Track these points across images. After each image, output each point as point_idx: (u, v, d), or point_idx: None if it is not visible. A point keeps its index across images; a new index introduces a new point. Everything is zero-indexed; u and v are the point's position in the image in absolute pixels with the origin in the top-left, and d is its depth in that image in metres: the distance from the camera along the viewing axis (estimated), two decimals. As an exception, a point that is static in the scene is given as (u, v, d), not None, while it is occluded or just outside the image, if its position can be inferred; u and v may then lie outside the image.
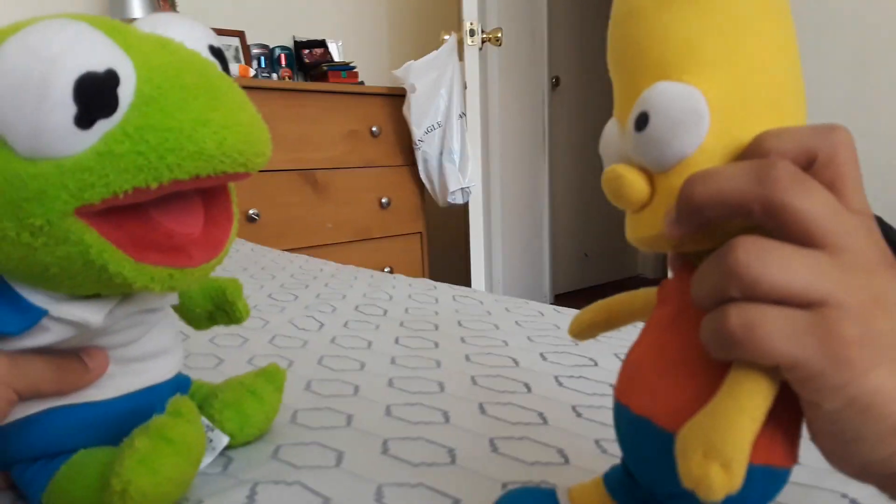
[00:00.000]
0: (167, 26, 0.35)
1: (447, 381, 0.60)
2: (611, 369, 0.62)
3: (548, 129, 2.80)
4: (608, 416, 0.51)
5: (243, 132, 0.32)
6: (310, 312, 0.85)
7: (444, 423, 0.50)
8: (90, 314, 0.34)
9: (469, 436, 0.48)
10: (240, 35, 2.28)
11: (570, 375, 0.61)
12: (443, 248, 2.82)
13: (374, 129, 2.11)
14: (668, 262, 0.31)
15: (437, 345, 0.71)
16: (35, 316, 0.33)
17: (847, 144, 0.24)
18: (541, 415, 0.52)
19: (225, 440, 0.43)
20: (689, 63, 0.25)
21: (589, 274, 3.35)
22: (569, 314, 0.84)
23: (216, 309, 0.47)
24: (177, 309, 0.47)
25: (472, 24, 2.02)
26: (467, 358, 0.67)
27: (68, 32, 0.29)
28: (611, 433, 0.48)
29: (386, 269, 2.18)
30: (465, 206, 2.21)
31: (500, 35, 2.11)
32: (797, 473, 0.29)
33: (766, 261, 0.21)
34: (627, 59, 0.28)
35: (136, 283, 0.32)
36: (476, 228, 2.17)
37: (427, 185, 2.19)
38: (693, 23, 0.25)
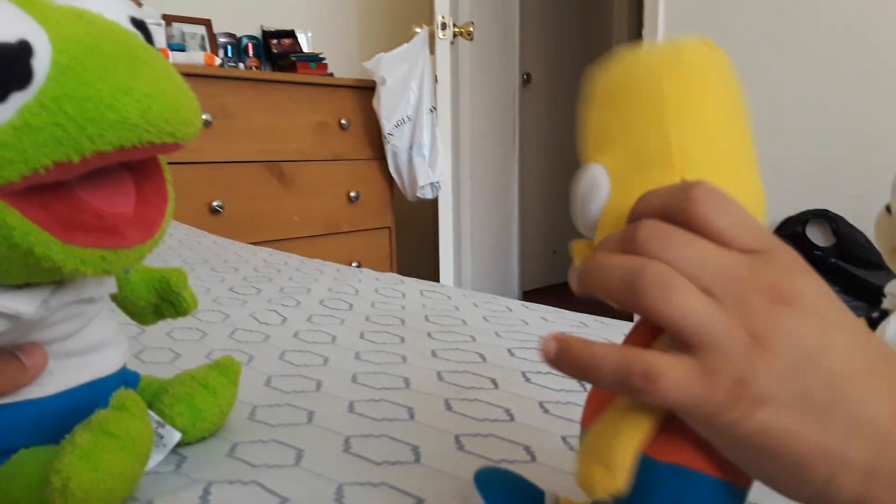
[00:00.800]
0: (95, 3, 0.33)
1: (413, 377, 0.58)
2: (578, 365, 0.62)
3: (518, 125, 2.80)
4: (575, 413, 0.50)
5: (169, 101, 0.30)
6: (272, 306, 0.83)
7: (408, 420, 0.49)
8: (22, 305, 0.32)
9: (434, 433, 0.47)
10: (206, 23, 2.23)
11: (537, 371, 0.60)
12: (411, 243, 2.80)
13: (343, 121, 2.08)
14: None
15: (403, 340, 0.70)
16: None
17: (702, 195, 0.24)
18: (507, 411, 0.51)
19: (176, 436, 0.41)
20: (601, 146, 0.31)
21: (557, 270, 3.37)
22: (537, 310, 0.83)
23: (161, 301, 0.45)
24: (119, 303, 0.45)
25: (443, 17, 2.00)
26: (434, 353, 0.65)
27: None
28: (577, 430, 0.47)
29: (353, 264, 2.15)
30: (435, 201, 2.19)
31: (471, 29, 2.09)
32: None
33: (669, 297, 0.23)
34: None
35: (66, 267, 0.30)
36: (445, 223, 2.16)
37: (396, 180, 2.17)
38: (604, 117, 0.32)
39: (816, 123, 1.67)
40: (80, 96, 0.28)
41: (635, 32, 3.07)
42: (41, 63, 0.28)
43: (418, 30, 2.05)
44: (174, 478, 0.40)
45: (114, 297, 0.45)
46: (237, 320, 0.77)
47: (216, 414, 0.45)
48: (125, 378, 0.42)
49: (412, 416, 0.50)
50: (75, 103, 0.28)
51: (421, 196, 2.13)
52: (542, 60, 2.99)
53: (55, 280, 0.34)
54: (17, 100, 0.28)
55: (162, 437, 0.41)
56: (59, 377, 0.36)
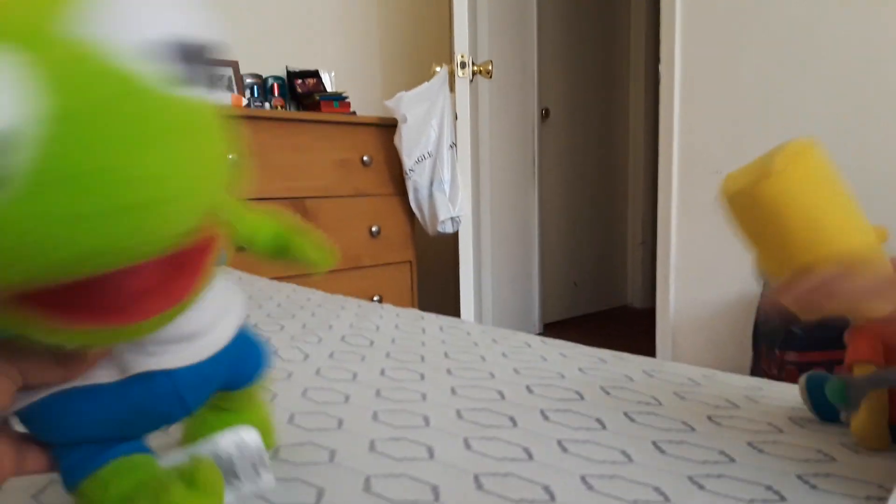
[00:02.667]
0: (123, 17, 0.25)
1: (432, 415, 0.59)
2: (597, 403, 0.62)
3: (537, 159, 2.82)
4: (594, 451, 0.51)
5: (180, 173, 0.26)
6: (295, 343, 0.85)
7: (428, 459, 0.50)
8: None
9: (454, 472, 0.47)
10: (233, 65, 2.30)
11: (556, 409, 0.60)
12: (432, 277, 2.82)
13: (365, 158, 2.12)
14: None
15: (423, 377, 0.71)
16: None
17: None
18: (526, 450, 0.51)
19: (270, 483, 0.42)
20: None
21: (578, 303, 3.35)
22: (555, 346, 0.84)
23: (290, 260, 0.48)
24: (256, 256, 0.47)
25: (463, 56, 2.05)
26: (453, 391, 0.66)
27: None
28: (595, 469, 0.47)
29: (375, 298, 2.17)
30: (455, 236, 2.21)
31: (490, 67, 2.14)
32: None
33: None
34: (762, 241, 0.48)
35: (72, 345, 0.30)
36: (466, 257, 2.18)
37: (417, 214, 2.19)
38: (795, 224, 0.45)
39: (835, 153, 1.67)
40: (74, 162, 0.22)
41: (652, 66, 3.10)
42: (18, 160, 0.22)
43: (438, 69, 2.10)
44: None
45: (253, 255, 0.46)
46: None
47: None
48: (204, 374, 0.38)
49: (432, 454, 0.50)
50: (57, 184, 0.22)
51: (442, 230, 2.15)
52: (560, 95, 3.03)
53: None
54: None
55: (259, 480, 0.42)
56: (129, 363, 0.34)
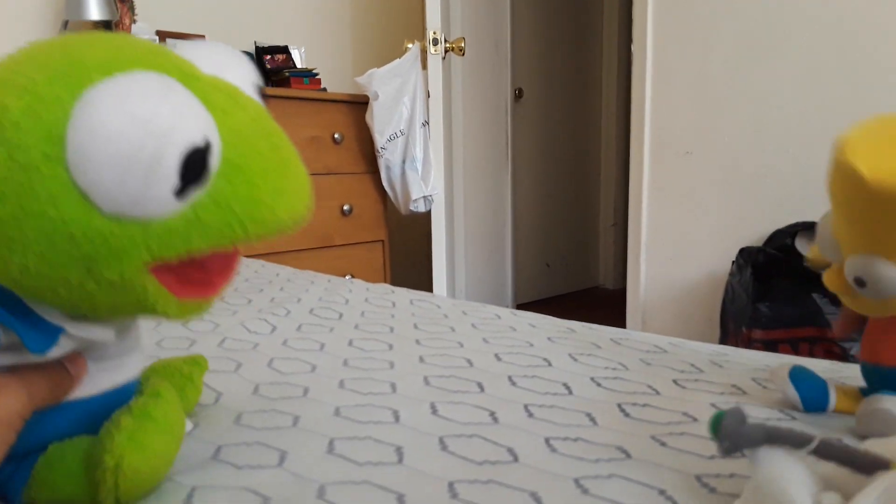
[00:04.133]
0: (222, 65, 0.34)
1: (399, 382, 0.59)
2: (564, 369, 0.62)
3: (510, 139, 2.82)
4: (560, 415, 0.51)
5: (305, 200, 0.34)
6: (262, 315, 0.83)
7: (393, 423, 0.49)
8: (103, 332, 0.35)
9: (418, 435, 0.47)
10: (200, 39, 2.25)
11: (523, 375, 0.60)
12: (405, 257, 2.81)
13: (336, 135, 2.09)
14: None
15: (391, 346, 0.70)
16: (55, 335, 0.33)
17: None
18: (492, 414, 0.51)
19: (189, 427, 0.43)
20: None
21: (551, 283, 3.37)
22: (525, 317, 0.84)
23: None
24: None
25: (435, 32, 2.03)
26: (421, 359, 0.66)
27: (171, 101, 0.29)
28: (560, 431, 0.47)
29: (347, 277, 2.15)
30: (428, 215, 2.20)
31: (463, 45, 2.12)
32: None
33: None
34: (860, 222, 0.41)
35: (171, 316, 0.33)
36: (438, 237, 2.17)
37: (389, 193, 2.18)
38: None
39: (804, 136, 1.69)
40: (248, 198, 0.31)
41: (625, 48, 3.10)
42: (215, 159, 0.30)
43: (410, 45, 2.07)
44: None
45: None
46: (226, 329, 0.77)
47: (192, 401, 0.49)
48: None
49: (397, 419, 0.50)
50: (243, 205, 0.31)
51: (414, 209, 2.14)
52: (533, 75, 3.02)
53: None
54: (194, 194, 0.30)
55: None
56: (97, 380, 0.37)
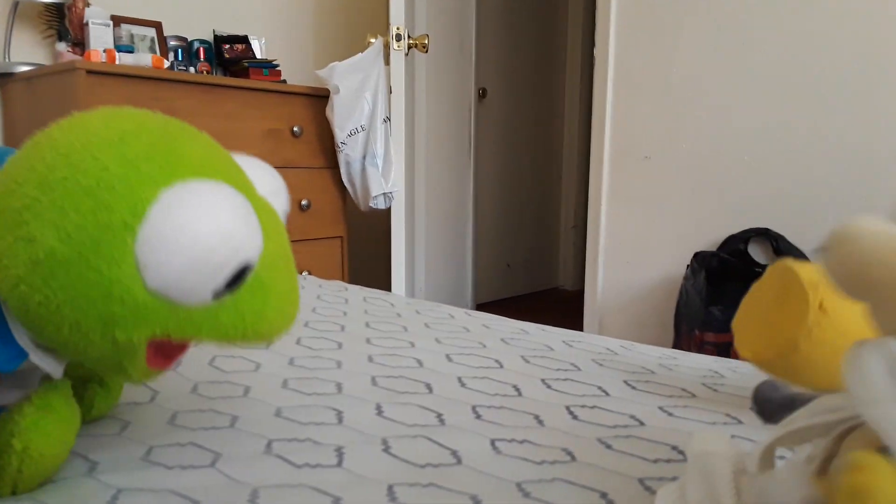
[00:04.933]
0: (269, 188, 0.40)
1: (346, 382, 0.57)
2: (515, 370, 0.61)
3: (473, 139, 2.81)
4: (508, 417, 0.50)
5: (294, 319, 0.38)
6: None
7: (336, 425, 0.48)
8: (54, 368, 0.38)
9: (361, 436, 0.45)
10: (157, 25, 2.18)
11: (473, 377, 0.59)
12: (365, 254, 2.78)
13: (295, 129, 2.05)
14: None
15: (340, 345, 0.69)
16: (21, 357, 0.35)
17: None
18: (439, 416, 0.50)
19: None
20: None
21: (511, 284, 3.38)
22: (479, 317, 0.83)
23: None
24: None
25: (398, 28, 2.00)
26: (370, 359, 0.64)
27: (247, 222, 0.34)
28: (507, 433, 0.46)
29: (304, 273, 2.12)
30: (388, 212, 2.18)
31: (426, 42, 2.10)
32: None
33: None
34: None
35: (130, 380, 0.39)
36: (398, 235, 2.15)
37: (349, 189, 2.14)
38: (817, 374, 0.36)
39: (759, 146, 1.73)
40: (259, 311, 0.35)
41: (589, 53, 3.13)
42: (250, 273, 0.34)
43: (373, 40, 2.04)
44: (86, 481, 0.38)
45: None
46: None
47: (119, 392, 0.49)
48: None
49: (340, 420, 0.48)
50: (253, 316, 0.35)
51: (374, 206, 2.11)
52: (497, 76, 3.02)
53: None
54: (224, 298, 0.34)
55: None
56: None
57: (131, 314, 0.32)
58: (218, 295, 0.33)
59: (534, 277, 3.55)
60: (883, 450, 0.21)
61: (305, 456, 0.42)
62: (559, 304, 3.31)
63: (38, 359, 0.36)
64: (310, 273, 2.12)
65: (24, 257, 0.31)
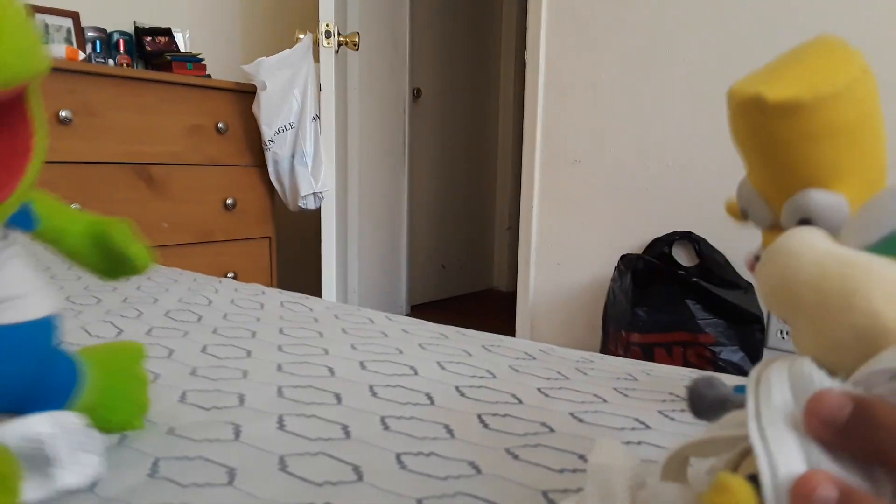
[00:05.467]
0: None
1: (249, 393, 0.54)
2: (430, 378, 0.60)
3: (408, 139, 2.79)
4: (417, 428, 0.48)
5: (29, 42, 0.29)
6: (110, 317, 0.76)
7: (231, 441, 0.45)
8: None
9: (257, 454, 0.43)
10: (73, 16, 2.06)
11: (386, 385, 0.57)
12: (295, 255, 2.71)
13: (220, 125, 1.98)
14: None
15: (249, 354, 0.65)
16: None
17: None
18: (344, 428, 0.48)
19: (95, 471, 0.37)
20: (833, 176, 0.36)
21: (446, 285, 3.38)
22: (399, 322, 0.81)
23: (110, 259, 0.42)
24: (73, 260, 0.42)
25: (328, 25, 1.96)
26: (279, 367, 0.61)
27: None
28: (414, 446, 0.45)
29: (230, 275, 2.05)
30: (320, 212, 2.13)
31: (357, 39, 2.07)
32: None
33: None
34: (777, 159, 0.37)
35: None
36: (328, 235, 2.11)
37: (277, 188, 2.09)
38: (832, 151, 0.35)
39: (685, 152, 1.78)
40: None
41: (522, 55, 3.17)
42: None
43: (302, 36, 1.99)
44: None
45: (66, 254, 0.42)
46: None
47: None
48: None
49: (237, 435, 0.46)
50: None
51: (303, 206, 2.06)
52: (432, 76, 3.01)
53: None
54: None
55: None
56: None
57: None
58: None
59: (469, 279, 3.57)
60: (753, 478, 0.20)
61: (195, 475, 0.39)
62: (494, 306, 3.33)
63: None
64: (236, 275, 2.05)
65: None
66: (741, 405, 0.29)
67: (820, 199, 0.36)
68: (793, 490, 0.20)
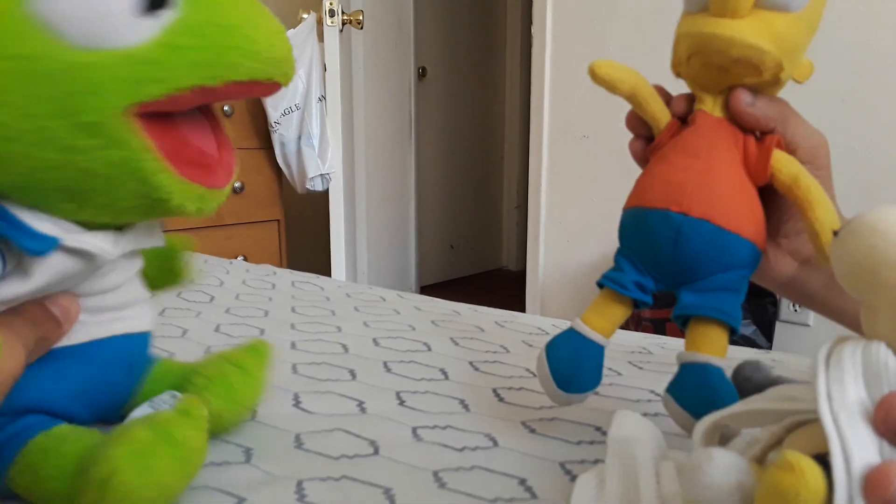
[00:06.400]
0: None
1: (264, 371, 0.54)
2: (443, 353, 0.60)
3: (414, 119, 2.78)
4: (432, 402, 0.48)
5: (285, 40, 0.31)
6: (122, 300, 0.76)
7: (248, 420, 0.45)
8: (105, 243, 0.31)
9: (273, 432, 0.43)
10: None
11: (400, 361, 0.57)
12: (304, 238, 2.72)
13: (225, 108, 1.98)
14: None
15: (262, 332, 0.65)
16: (50, 243, 0.29)
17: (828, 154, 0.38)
18: (360, 404, 0.48)
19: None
20: None
21: (455, 265, 3.38)
22: (410, 299, 0.81)
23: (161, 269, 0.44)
24: None
25: (331, 3, 1.94)
26: (293, 345, 0.61)
27: None
28: (430, 420, 0.45)
29: (239, 258, 2.05)
30: (328, 194, 2.13)
31: (361, 18, 2.05)
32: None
33: None
34: None
35: (174, 200, 0.30)
36: (337, 217, 2.11)
37: (284, 170, 2.08)
38: None
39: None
40: (221, 23, 0.28)
41: (528, 31, 3.13)
42: None
43: (305, 16, 1.98)
44: None
45: None
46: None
47: (250, 396, 0.41)
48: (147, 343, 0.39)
49: (253, 414, 0.46)
50: (217, 30, 0.28)
51: (311, 188, 2.06)
52: (437, 55, 2.99)
53: (116, 226, 0.33)
54: (163, 17, 0.27)
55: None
56: (91, 329, 0.34)
57: (81, 84, 0.26)
58: (144, 7, 0.27)
59: (478, 258, 3.57)
60: (819, 457, 0.20)
61: (212, 454, 0.39)
62: (504, 285, 3.33)
63: (73, 239, 0.29)
64: (246, 258, 2.05)
65: None
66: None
67: None
68: (868, 478, 0.19)
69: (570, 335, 0.40)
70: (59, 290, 0.31)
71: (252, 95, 0.32)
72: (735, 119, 0.39)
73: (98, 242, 0.31)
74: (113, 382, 0.36)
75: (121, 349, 0.36)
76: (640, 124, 0.44)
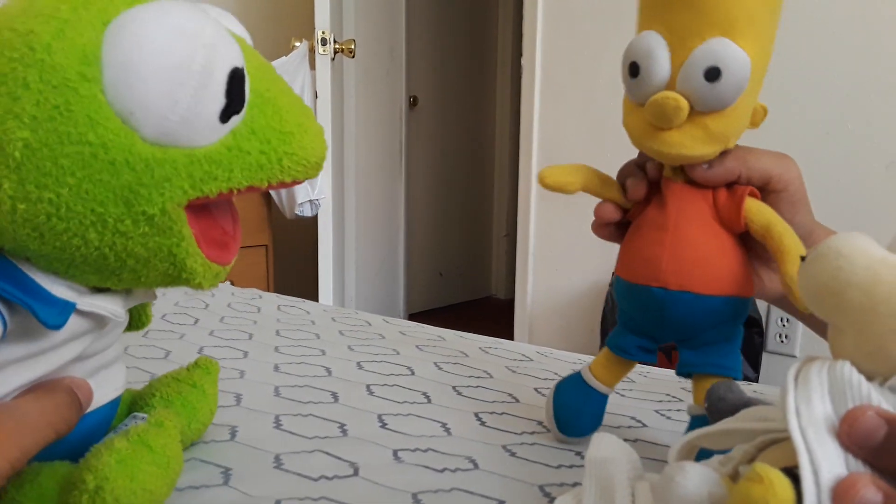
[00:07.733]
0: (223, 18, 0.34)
1: (246, 394, 0.54)
2: (426, 378, 0.60)
3: (405, 147, 2.80)
4: (414, 426, 0.48)
5: (324, 142, 0.33)
6: (106, 322, 0.75)
7: (227, 441, 0.44)
8: (115, 305, 0.32)
9: (253, 453, 0.43)
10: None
11: (383, 384, 0.57)
12: (293, 264, 2.71)
13: (217, 134, 1.99)
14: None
15: (245, 355, 0.65)
16: (68, 309, 0.29)
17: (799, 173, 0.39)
18: (341, 426, 0.48)
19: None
20: (747, 31, 0.34)
21: (444, 293, 3.38)
22: (396, 324, 0.81)
23: None
24: None
25: (324, 32, 1.97)
26: (276, 368, 0.61)
27: (211, 21, 0.28)
28: (411, 443, 0.45)
29: (226, 283, 2.04)
30: (317, 220, 2.13)
31: (353, 47, 2.08)
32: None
33: None
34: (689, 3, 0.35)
35: (197, 279, 0.31)
36: (325, 243, 2.11)
37: (273, 195, 2.09)
38: (752, 3, 0.35)
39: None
40: (280, 129, 0.30)
41: (518, 61, 3.18)
42: (247, 89, 0.30)
43: (298, 44, 2.00)
44: None
45: None
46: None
47: (208, 413, 0.43)
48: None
49: (233, 435, 0.45)
50: (277, 136, 0.30)
51: (300, 213, 2.06)
52: (428, 84, 3.03)
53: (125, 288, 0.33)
54: (234, 121, 0.29)
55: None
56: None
57: (147, 176, 0.27)
58: (226, 117, 0.28)
59: (467, 286, 3.56)
60: (788, 470, 0.20)
61: (189, 476, 0.39)
62: (492, 313, 3.33)
63: (88, 304, 0.30)
64: (233, 283, 2.04)
65: (1, 169, 0.25)
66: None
67: (734, 49, 0.34)
68: (836, 490, 0.20)
69: (577, 381, 0.44)
70: (65, 349, 0.31)
71: (283, 188, 0.34)
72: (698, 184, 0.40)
73: (109, 306, 0.31)
74: (89, 438, 0.35)
75: (106, 416, 0.36)
76: (609, 210, 0.46)
